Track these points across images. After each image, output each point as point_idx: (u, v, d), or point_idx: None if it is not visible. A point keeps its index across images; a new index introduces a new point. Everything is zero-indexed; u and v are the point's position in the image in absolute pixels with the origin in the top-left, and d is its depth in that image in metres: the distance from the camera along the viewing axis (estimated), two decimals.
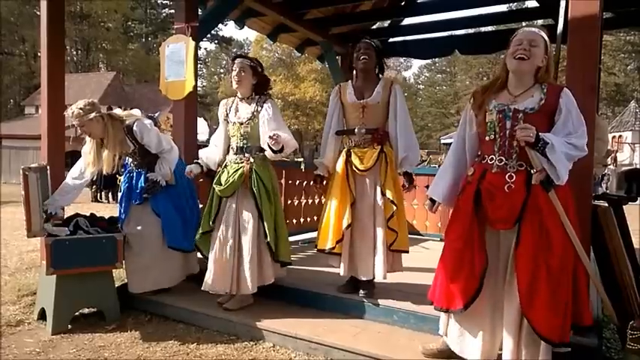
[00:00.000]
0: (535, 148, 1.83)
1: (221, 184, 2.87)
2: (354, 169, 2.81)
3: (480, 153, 2.15)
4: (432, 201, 2.31)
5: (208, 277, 2.85)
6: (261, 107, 2.90)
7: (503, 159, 1.98)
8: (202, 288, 2.86)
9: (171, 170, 3.09)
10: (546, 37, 2.00)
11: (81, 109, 2.83)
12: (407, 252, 2.84)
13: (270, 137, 2.71)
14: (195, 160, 3.10)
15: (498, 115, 1.95)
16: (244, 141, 2.91)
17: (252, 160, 2.88)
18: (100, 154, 2.96)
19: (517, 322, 1.93)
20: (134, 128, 2.97)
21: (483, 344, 2.05)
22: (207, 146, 3.20)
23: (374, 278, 2.82)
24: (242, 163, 2.88)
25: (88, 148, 3.00)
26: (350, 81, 2.98)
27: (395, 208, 2.74)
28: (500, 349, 2.04)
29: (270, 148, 2.77)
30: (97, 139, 2.96)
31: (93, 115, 2.84)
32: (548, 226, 1.87)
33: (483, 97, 2.08)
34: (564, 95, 1.94)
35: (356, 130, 2.85)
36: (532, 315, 1.84)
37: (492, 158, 2.02)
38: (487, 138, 2.04)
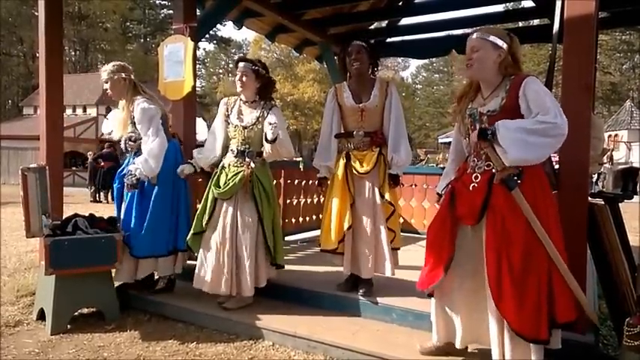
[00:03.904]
0: (487, 140, 1.87)
1: (220, 187, 2.87)
2: (354, 171, 2.84)
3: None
4: (440, 195, 2.40)
5: (204, 277, 2.86)
6: (267, 113, 2.91)
7: (476, 160, 2.06)
8: (195, 285, 2.88)
9: (149, 163, 2.91)
10: (489, 35, 2.00)
11: (112, 65, 3.07)
12: (399, 249, 2.92)
13: (269, 123, 2.74)
14: (187, 160, 3.05)
15: (469, 119, 2.03)
16: (246, 145, 2.91)
17: (252, 164, 2.89)
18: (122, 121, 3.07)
19: (499, 317, 1.95)
20: (135, 102, 3.01)
21: (463, 334, 2.12)
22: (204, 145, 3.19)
23: (370, 278, 2.85)
24: (242, 166, 2.88)
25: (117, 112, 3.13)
26: (345, 82, 2.98)
27: (393, 208, 2.81)
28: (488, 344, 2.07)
29: (266, 137, 2.79)
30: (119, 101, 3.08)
31: (117, 76, 3.03)
32: (509, 224, 1.91)
33: (461, 103, 2.17)
34: (522, 87, 1.94)
35: (355, 133, 2.87)
36: (502, 307, 1.89)
37: (469, 159, 2.12)
38: (465, 141, 2.16)
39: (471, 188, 2.03)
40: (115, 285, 3.05)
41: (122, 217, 3.09)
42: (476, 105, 2.09)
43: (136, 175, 2.93)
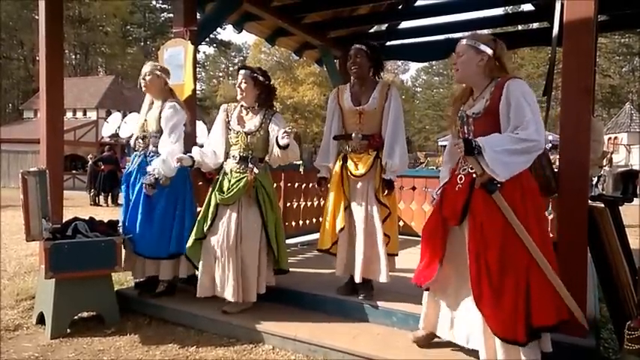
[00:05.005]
0: (472, 155, 1.94)
1: (223, 192, 2.87)
2: (349, 174, 2.85)
3: None
4: (434, 199, 2.45)
5: (209, 284, 2.85)
6: (270, 120, 2.94)
7: (462, 162, 2.13)
8: (200, 294, 2.86)
9: (167, 164, 2.96)
10: (474, 41, 2.10)
11: (155, 65, 3.21)
12: (396, 255, 2.90)
13: (285, 131, 2.74)
14: (189, 154, 2.97)
15: (459, 122, 2.13)
16: (249, 151, 2.92)
17: (255, 170, 2.90)
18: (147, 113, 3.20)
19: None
20: (167, 103, 3.10)
21: (456, 327, 2.19)
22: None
23: (369, 281, 2.86)
24: (245, 172, 2.88)
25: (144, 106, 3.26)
26: (348, 84, 2.99)
27: (389, 212, 2.79)
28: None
29: (278, 142, 2.78)
30: (149, 97, 3.22)
31: (159, 74, 3.16)
32: (486, 228, 1.98)
33: (455, 106, 2.25)
34: (505, 90, 2.00)
35: (353, 135, 2.87)
36: (481, 306, 1.97)
37: (459, 161, 2.18)
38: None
39: (456, 189, 2.12)
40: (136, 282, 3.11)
41: (127, 215, 3.10)
42: (467, 108, 2.17)
43: (155, 175, 2.97)
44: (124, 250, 3.03)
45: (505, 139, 1.93)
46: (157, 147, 3.09)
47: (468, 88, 2.22)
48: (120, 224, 3.16)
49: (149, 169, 3.00)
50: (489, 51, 2.08)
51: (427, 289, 2.28)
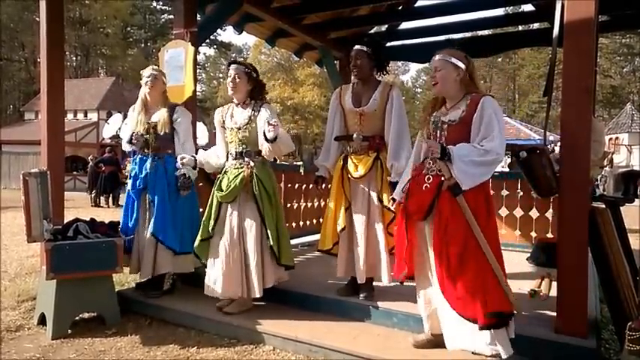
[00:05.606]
0: (443, 160, 2.11)
1: (222, 190, 2.89)
2: (349, 175, 2.85)
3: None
4: (394, 200, 2.58)
5: (215, 283, 2.85)
6: (258, 112, 2.92)
7: (431, 163, 2.25)
8: (206, 292, 2.88)
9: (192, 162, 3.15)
10: (450, 57, 2.24)
11: (157, 69, 3.29)
12: None
13: (268, 123, 2.73)
14: (192, 154, 3.16)
15: (432, 126, 2.28)
16: (243, 146, 2.93)
17: (252, 164, 2.90)
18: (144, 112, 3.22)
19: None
20: (180, 109, 3.25)
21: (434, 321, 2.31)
22: (206, 150, 3.27)
23: (371, 281, 2.86)
24: (242, 167, 2.89)
25: (137, 108, 3.27)
26: (351, 84, 2.98)
27: (394, 215, 2.77)
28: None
29: (265, 136, 2.76)
30: (148, 98, 3.21)
31: (161, 79, 3.25)
32: (448, 224, 2.15)
33: (428, 112, 2.38)
34: (480, 105, 2.17)
35: (354, 136, 2.87)
36: (447, 296, 2.14)
37: (426, 161, 2.30)
38: (424, 144, 2.34)
39: (423, 188, 2.25)
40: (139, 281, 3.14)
41: (155, 216, 3.10)
42: (439, 114, 2.31)
43: (190, 178, 3.12)
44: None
45: (473, 150, 2.10)
46: (170, 150, 3.19)
47: (441, 98, 2.36)
48: (120, 225, 3.17)
49: (180, 172, 3.11)
50: (464, 67, 2.23)
51: (402, 282, 2.37)
